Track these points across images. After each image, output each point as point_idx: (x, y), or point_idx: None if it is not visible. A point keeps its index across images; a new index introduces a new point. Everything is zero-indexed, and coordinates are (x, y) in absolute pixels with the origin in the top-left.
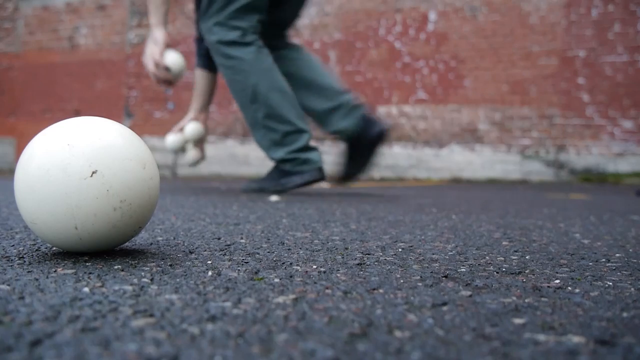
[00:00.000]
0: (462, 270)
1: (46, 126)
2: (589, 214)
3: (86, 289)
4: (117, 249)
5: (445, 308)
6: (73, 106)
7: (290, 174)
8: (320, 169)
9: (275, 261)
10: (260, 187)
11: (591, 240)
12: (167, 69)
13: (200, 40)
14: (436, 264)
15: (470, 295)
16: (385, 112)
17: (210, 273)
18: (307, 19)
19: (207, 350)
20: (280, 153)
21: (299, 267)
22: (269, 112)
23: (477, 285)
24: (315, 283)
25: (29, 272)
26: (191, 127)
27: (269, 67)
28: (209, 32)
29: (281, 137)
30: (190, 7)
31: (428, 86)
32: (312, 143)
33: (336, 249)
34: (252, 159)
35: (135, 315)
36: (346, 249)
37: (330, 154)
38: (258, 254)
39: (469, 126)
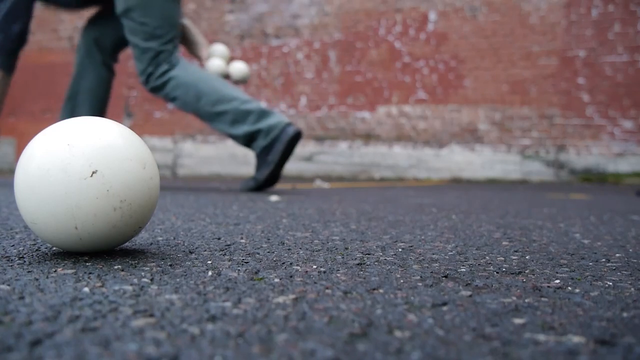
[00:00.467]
0: (462, 270)
1: (46, 126)
2: (589, 214)
3: (86, 289)
4: (117, 249)
5: (445, 308)
6: None
7: (269, 147)
8: (289, 124)
9: (275, 261)
10: (256, 182)
11: (591, 240)
12: None
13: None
14: (436, 264)
15: (470, 295)
16: (385, 112)
17: (210, 273)
18: (307, 19)
19: (207, 350)
20: (244, 127)
21: (299, 267)
22: (215, 98)
23: (477, 285)
24: (315, 283)
25: (29, 272)
26: None
27: (195, 68)
28: (147, 82)
29: (236, 113)
30: (190, 7)
31: (428, 86)
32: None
33: (336, 249)
34: (252, 158)
35: (135, 315)
36: (346, 249)
37: (331, 154)
38: (258, 254)
39: (469, 126)
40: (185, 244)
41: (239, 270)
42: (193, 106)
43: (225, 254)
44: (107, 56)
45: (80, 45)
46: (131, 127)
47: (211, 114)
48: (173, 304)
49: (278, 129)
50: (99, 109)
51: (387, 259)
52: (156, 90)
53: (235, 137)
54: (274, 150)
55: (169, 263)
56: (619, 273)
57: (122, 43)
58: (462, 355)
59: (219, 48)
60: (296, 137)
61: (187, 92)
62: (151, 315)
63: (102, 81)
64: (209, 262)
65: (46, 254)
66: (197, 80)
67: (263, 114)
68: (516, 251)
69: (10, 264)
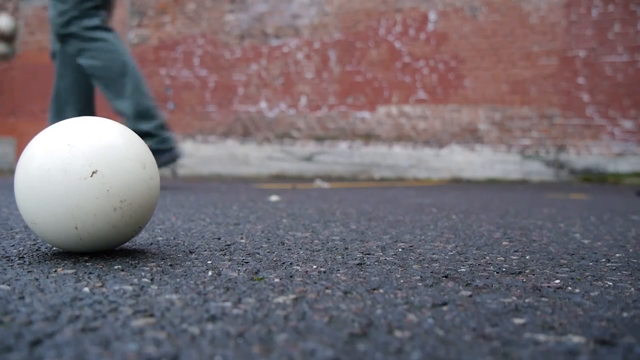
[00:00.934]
0: (462, 270)
1: (46, 126)
2: (589, 214)
3: (86, 289)
4: (117, 249)
5: (445, 308)
6: None
7: (157, 152)
8: (176, 147)
9: (275, 261)
10: None
11: (591, 240)
12: None
13: None
14: (436, 264)
15: (470, 295)
16: (385, 112)
17: (210, 273)
18: (307, 19)
19: (207, 350)
20: (148, 126)
21: (299, 267)
22: (137, 86)
23: (477, 285)
24: (315, 283)
25: (29, 272)
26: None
27: (127, 48)
28: (68, 24)
29: (146, 111)
30: (190, 7)
31: (428, 86)
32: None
33: (336, 249)
34: (252, 159)
35: (135, 315)
36: (346, 249)
37: (331, 154)
38: (258, 254)
39: (469, 126)
40: (185, 244)
41: (239, 270)
42: (111, 76)
43: (225, 254)
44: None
45: (54, 49)
46: None
47: (126, 93)
48: (173, 304)
49: (169, 143)
50: (85, 103)
51: (387, 259)
52: (74, 37)
53: (130, 125)
54: (162, 157)
55: (169, 263)
56: (619, 273)
57: None
58: (462, 355)
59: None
60: (176, 159)
61: (114, 62)
62: (151, 315)
63: (82, 74)
64: (209, 262)
65: (46, 254)
66: (128, 60)
67: (164, 126)
68: (516, 251)
69: (10, 264)
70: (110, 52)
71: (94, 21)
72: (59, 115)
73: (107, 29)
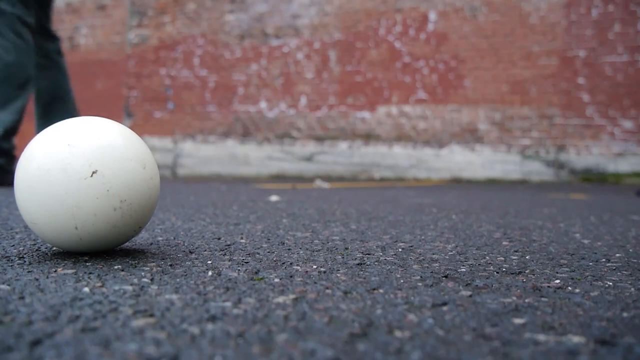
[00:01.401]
0: (462, 270)
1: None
2: (589, 214)
3: (86, 289)
4: (117, 249)
5: (445, 308)
6: None
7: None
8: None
9: (275, 261)
10: None
11: (591, 240)
12: None
13: None
14: (436, 264)
15: (470, 295)
16: (385, 112)
17: (210, 273)
18: (307, 19)
19: (207, 350)
20: (4, 144)
21: (299, 267)
22: (22, 108)
23: (477, 285)
24: (315, 283)
25: (29, 272)
26: None
27: (34, 68)
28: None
29: (11, 133)
30: (190, 7)
31: (428, 86)
32: None
33: (336, 249)
34: (252, 159)
35: (135, 315)
36: (346, 249)
37: (331, 154)
38: (258, 254)
39: (469, 126)
40: (185, 244)
41: (239, 270)
42: (10, 81)
43: (225, 254)
44: (42, 40)
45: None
46: (131, 127)
47: (10, 107)
48: (173, 304)
49: (10, 169)
50: (71, 103)
51: (387, 259)
52: (9, 20)
53: None
54: (7, 177)
55: (169, 263)
56: (619, 273)
57: (44, 17)
58: (462, 355)
59: None
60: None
61: (22, 71)
62: (151, 315)
63: (50, 71)
64: (209, 262)
65: (46, 254)
66: (32, 78)
67: (10, 154)
68: (516, 251)
69: (10, 264)
70: (28, 58)
71: (30, 20)
72: (45, 118)
73: (40, 37)
